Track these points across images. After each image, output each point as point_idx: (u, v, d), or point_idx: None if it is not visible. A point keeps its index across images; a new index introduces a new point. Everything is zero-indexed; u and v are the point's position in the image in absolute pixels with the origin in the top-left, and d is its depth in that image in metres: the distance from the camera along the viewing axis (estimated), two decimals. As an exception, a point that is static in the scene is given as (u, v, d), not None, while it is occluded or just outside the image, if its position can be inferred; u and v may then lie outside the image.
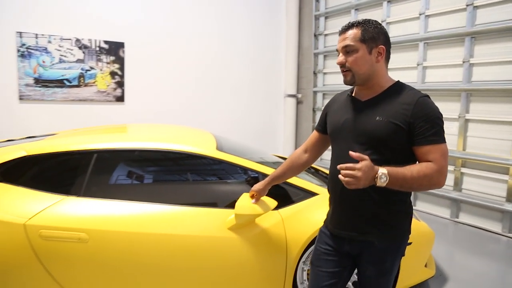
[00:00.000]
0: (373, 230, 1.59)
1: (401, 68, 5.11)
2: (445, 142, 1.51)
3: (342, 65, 1.62)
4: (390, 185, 1.41)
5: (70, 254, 2.08)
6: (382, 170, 1.39)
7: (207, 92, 6.24)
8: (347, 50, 1.59)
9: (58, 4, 4.94)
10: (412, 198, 4.96)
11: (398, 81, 1.66)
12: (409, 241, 2.62)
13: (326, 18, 6.51)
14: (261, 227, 2.27)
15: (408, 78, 4.94)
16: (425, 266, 2.89)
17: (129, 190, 2.38)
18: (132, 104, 5.58)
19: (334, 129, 1.72)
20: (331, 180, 1.71)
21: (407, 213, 1.65)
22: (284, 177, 2.05)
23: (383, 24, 5.20)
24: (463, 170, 4.49)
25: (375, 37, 1.58)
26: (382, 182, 1.39)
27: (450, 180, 4.61)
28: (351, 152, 1.41)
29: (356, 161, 1.40)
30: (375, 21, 1.64)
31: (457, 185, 4.54)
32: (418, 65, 4.87)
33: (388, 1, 5.28)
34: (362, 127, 1.58)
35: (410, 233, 1.69)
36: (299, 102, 7.01)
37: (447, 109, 4.56)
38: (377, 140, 1.53)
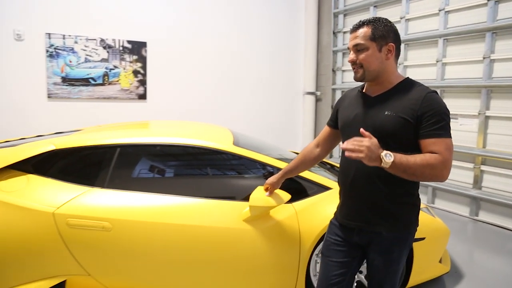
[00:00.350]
0: (381, 221, 1.64)
1: (420, 65, 5.07)
2: (451, 137, 1.55)
3: (353, 62, 1.68)
4: (394, 167, 1.44)
5: (94, 241, 2.21)
6: (387, 151, 1.43)
7: (227, 90, 6.35)
8: (358, 48, 1.65)
9: (84, 6, 5.14)
10: (430, 195, 4.94)
11: (408, 77, 1.71)
12: (422, 237, 2.66)
13: (345, 15, 6.51)
14: (275, 220, 2.35)
15: (427, 75, 4.90)
16: (440, 262, 2.91)
17: (149, 183, 2.51)
18: (154, 101, 5.75)
19: (344, 124, 1.78)
20: (342, 173, 1.77)
21: (415, 206, 1.69)
22: (297, 170, 2.12)
23: (402, 21, 5.21)
24: (483, 167, 4.43)
25: (385, 35, 1.63)
26: (387, 160, 1.41)
27: (469, 178, 4.56)
28: (361, 130, 1.46)
29: None
30: (385, 19, 1.68)
31: (477, 183, 4.48)
32: (437, 61, 4.82)
33: (408, -2, 5.25)
34: (372, 122, 1.63)
35: (417, 225, 1.73)
36: (318, 100, 7.03)
37: (467, 106, 4.51)
38: (385, 133, 1.58)
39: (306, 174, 2.53)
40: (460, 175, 4.67)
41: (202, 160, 2.69)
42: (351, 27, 1.71)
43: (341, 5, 6.45)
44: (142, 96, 5.64)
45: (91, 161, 2.52)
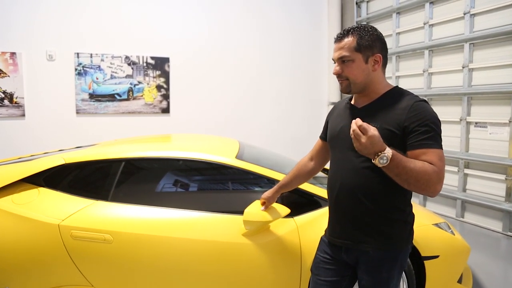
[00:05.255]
0: (367, 239, 1.55)
1: (446, 72, 4.83)
2: (442, 148, 1.45)
3: (338, 75, 1.62)
4: (388, 169, 1.36)
5: (97, 253, 2.26)
6: (388, 153, 1.34)
7: (250, 102, 6.37)
8: (343, 60, 1.58)
9: (109, 26, 5.40)
10: (459, 209, 4.67)
11: (396, 86, 1.64)
12: (435, 254, 2.51)
13: (368, 23, 6.37)
14: (275, 234, 2.30)
15: (453, 82, 4.65)
16: (460, 282, 2.71)
17: (150, 196, 2.54)
18: (177, 115, 5.88)
19: (331, 136, 1.73)
20: (328, 187, 1.71)
21: (406, 222, 1.59)
22: (291, 185, 2.07)
23: (426, 27, 5.02)
24: (516, 179, 4.13)
25: (371, 45, 1.57)
26: (381, 162, 1.34)
27: (501, 190, 4.26)
28: (357, 119, 1.37)
29: (353, 164, 1.49)
30: (371, 27, 1.62)
31: (510, 195, 4.17)
32: (463, 67, 4.58)
33: (431, 2, 5.05)
34: (357, 134, 1.56)
35: (410, 243, 1.62)
36: (343, 110, 6.89)
37: (497, 113, 4.23)
38: (371, 146, 1.51)
39: (308, 187, 2.47)
40: (491, 188, 4.38)
41: (203, 174, 2.70)
42: (335, 37, 1.65)
43: (364, 14, 6.35)
44: (166, 110, 5.78)
45: (98, 175, 2.60)
